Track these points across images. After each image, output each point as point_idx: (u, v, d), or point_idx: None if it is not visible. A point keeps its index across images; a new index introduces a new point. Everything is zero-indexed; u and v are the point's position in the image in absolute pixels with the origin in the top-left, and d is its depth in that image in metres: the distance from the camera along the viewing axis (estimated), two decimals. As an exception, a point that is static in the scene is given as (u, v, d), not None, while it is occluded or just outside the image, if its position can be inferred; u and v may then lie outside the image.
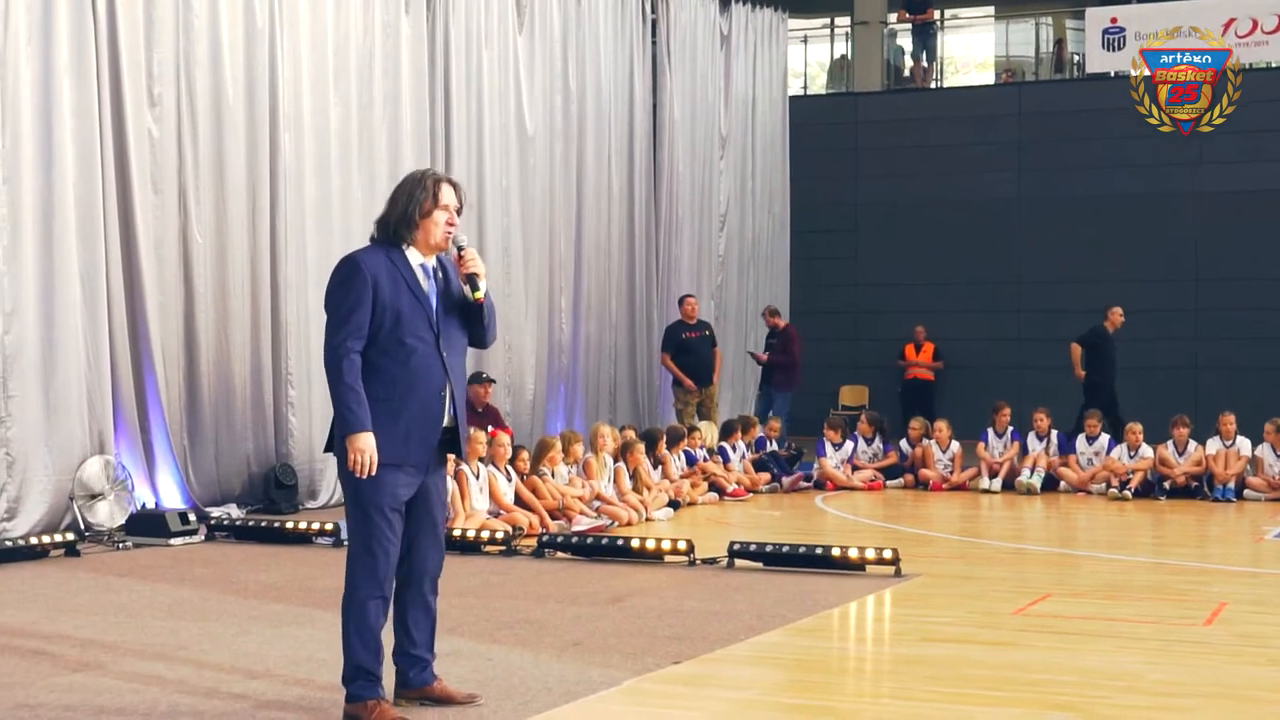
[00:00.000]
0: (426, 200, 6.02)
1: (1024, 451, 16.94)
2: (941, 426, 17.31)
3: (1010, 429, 17.21)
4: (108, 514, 11.72)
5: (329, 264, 14.27)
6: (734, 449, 16.77)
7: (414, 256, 6.04)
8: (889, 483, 17.10)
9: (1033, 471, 16.56)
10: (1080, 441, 16.77)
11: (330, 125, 14.49)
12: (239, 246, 13.49)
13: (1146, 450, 16.23)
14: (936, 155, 25.24)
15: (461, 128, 16.53)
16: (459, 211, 6.10)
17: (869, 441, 17.61)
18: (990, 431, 17.23)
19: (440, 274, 6.12)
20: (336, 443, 5.97)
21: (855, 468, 17.26)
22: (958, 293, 24.78)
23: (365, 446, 5.82)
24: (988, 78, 27.46)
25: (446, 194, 6.06)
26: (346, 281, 5.95)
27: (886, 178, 25.47)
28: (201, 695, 6.39)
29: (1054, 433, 17.00)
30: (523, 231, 17.59)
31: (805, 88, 27.66)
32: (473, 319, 6.17)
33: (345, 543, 6.05)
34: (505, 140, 17.38)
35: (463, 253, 6.10)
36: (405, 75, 15.55)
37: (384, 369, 5.93)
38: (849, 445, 17.50)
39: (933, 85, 26.77)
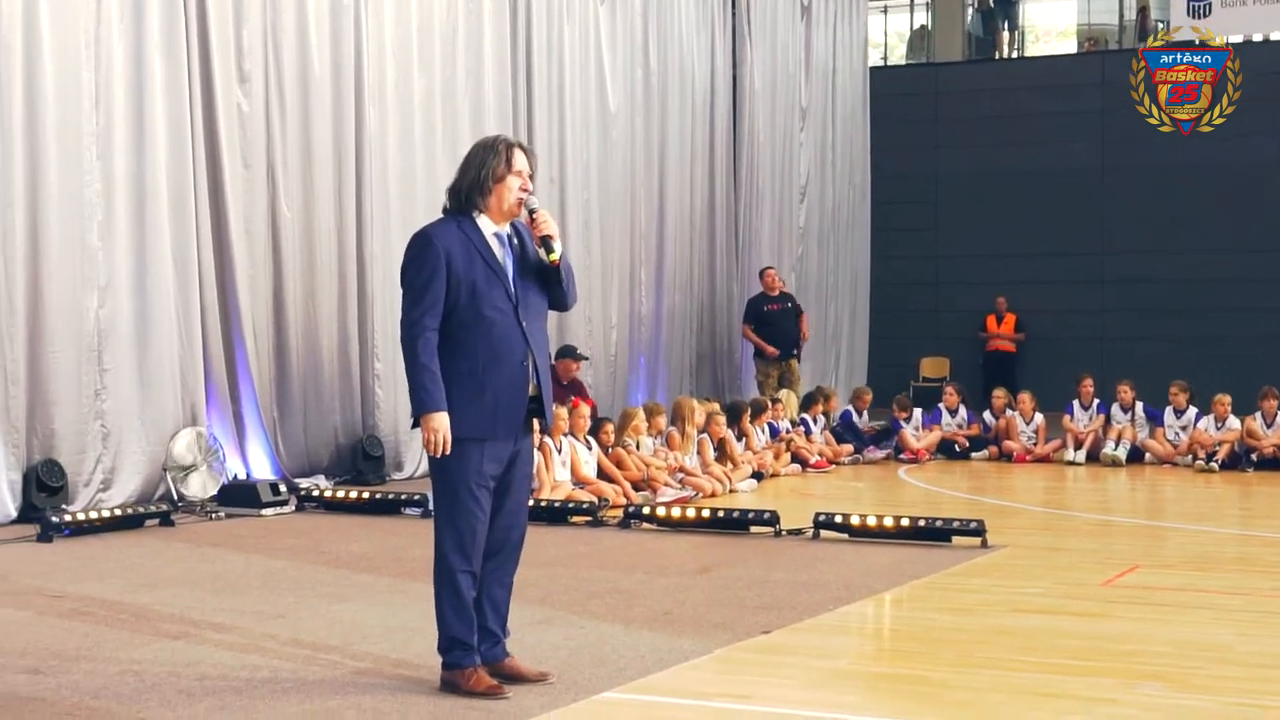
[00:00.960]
0: (499, 165, 5.97)
1: (1108, 424, 16.83)
2: (1025, 398, 17.24)
3: (1096, 401, 17.11)
4: (200, 485, 11.91)
5: (413, 238, 14.50)
6: (815, 421, 16.78)
7: (486, 225, 6.00)
8: (973, 454, 17.06)
9: (1117, 444, 16.46)
10: (1168, 414, 16.64)
11: (414, 99, 14.60)
12: (325, 221, 13.63)
13: (1234, 422, 16.10)
14: (1017, 125, 25.05)
15: (543, 101, 16.60)
16: (531, 177, 6.07)
17: (953, 413, 17.56)
18: (1075, 403, 17.13)
19: (515, 240, 6.08)
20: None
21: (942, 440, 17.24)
22: (1039, 264, 24.61)
23: (439, 426, 5.83)
24: (1069, 46, 27.18)
25: (519, 159, 6.01)
26: (419, 257, 5.92)
27: (967, 148, 25.32)
28: (300, 662, 6.50)
29: (1139, 405, 16.88)
30: (604, 204, 17.65)
31: (885, 58, 27.51)
32: (551, 282, 6.11)
33: (433, 517, 6.07)
34: (586, 113, 17.44)
35: (534, 215, 6.01)
36: (488, 48, 15.63)
37: (465, 343, 5.91)
38: (918, 414, 17.49)
39: (1014, 55, 26.56)
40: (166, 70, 11.99)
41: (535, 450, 12.20)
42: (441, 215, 6.11)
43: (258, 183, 12.96)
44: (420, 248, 5.95)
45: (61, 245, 11.19)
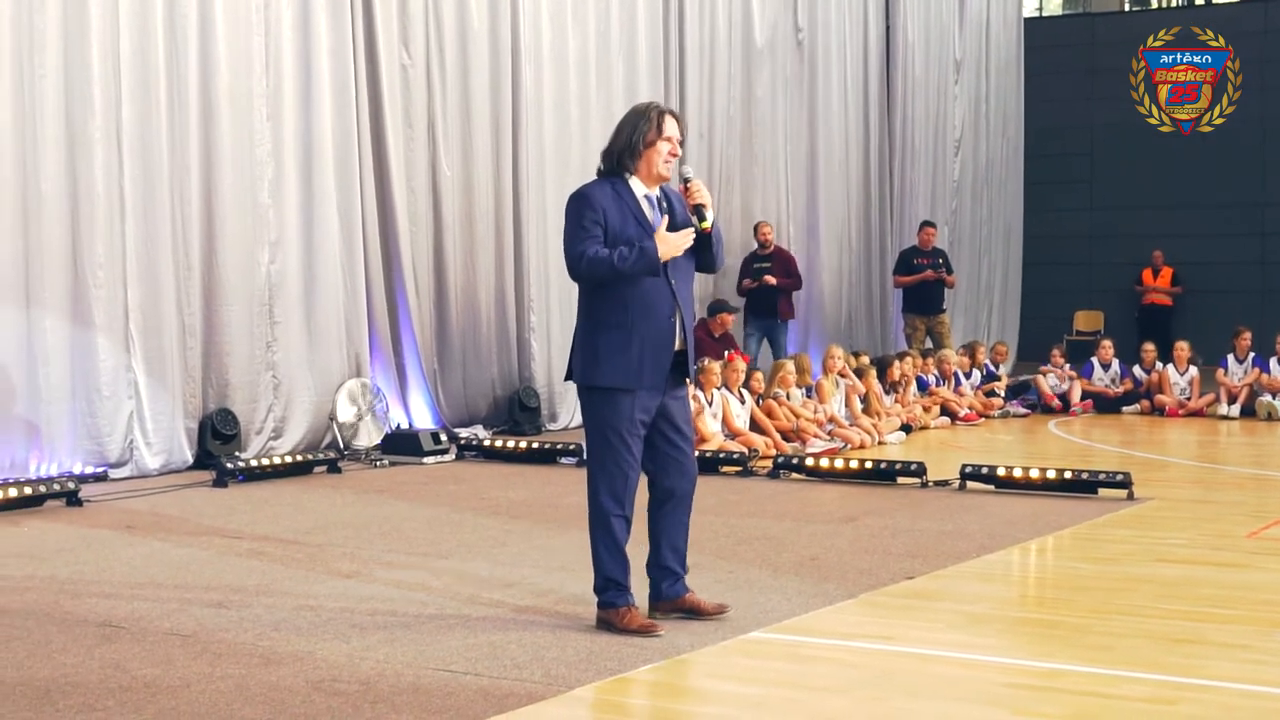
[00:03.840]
0: (650, 131, 6.28)
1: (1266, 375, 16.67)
2: (1182, 347, 17.11)
3: (1252, 354, 16.93)
4: (365, 434, 12.37)
5: (567, 194, 14.79)
6: (967, 375, 16.86)
7: (638, 187, 6.32)
8: (1124, 408, 17.02)
9: (1274, 396, 16.32)
10: (1323, 367, 16.47)
11: (569, 57, 14.91)
12: (484, 178, 14.01)
13: (1394, 376, 15.88)
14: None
15: (694, 58, 16.80)
16: (681, 143, 6.37)
17: (1106, 367, 17.51)
18: (1230, 357, 16.98)
19: (664, 204, 6.39)
20: (575, 370, 6.33)
21: (1085, 393, 17.20)
22: (1197, 216, 24.30)
23: (663, 241, 6.15)
24: (1231, -6, 26.72)
25: (669, 126, 6.32)
26: (578, 212, 6.26)
27: (1123, 100, 25.02)
28: (464, 601, 6.86)
29: (1297, 358, 16.70)
30: (752, 159, 17.82)
31: (1040, 9, 27.24)
32: (700, 247, 6.42)
33: (587, 463, 6.40)
34: (737, 69, 17.61)
35: (689, 184, 6.36)
36: (640, 5, 15.87)
37: (616, 297, 6.22)
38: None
39: (1173, 4, 26.18)
40: (332, 32, 12.42)
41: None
42: (595, 177, 6.42)
43: (419, 141, 13.36)
44: (579, 205, 6.29)
45: (234, 203, 11.69)
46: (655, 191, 6.38)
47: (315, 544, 8.39)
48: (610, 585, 6.30)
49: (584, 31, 15.11)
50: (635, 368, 6.22)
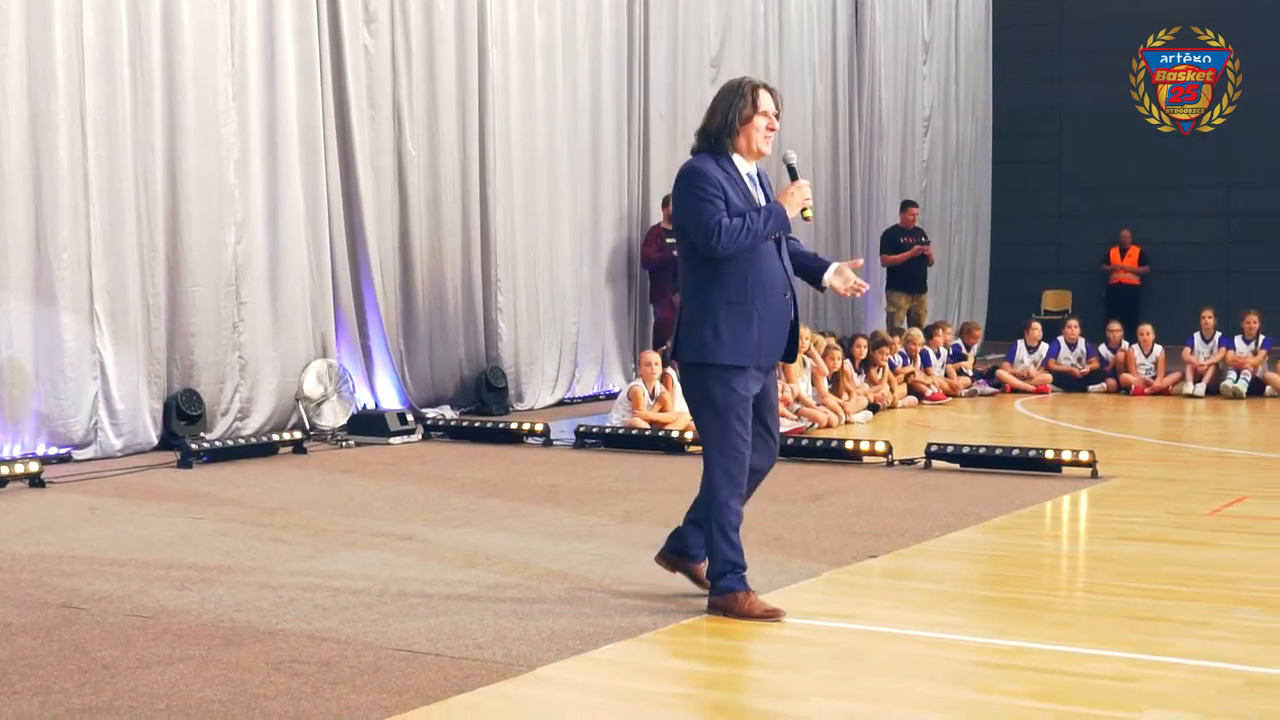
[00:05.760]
0: (746, 107, 6.19)
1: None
2: (1146, 330, 17.21)
3: (1218, 334, 17.02)
4: (331, 414, 12.35)
5: (534, 176, 14.88)
6: (936, 354, 16.90)
7: (741, 164, 6.23)
8: (1090, 387, 17.09)
9: (1239, 375, 16.41)
10: (1288, 347, 16.57)
11: (535, 39, 14.87)
12: (450, 159, 13.97)
13: (1357, 355, 15.98)
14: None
15: (660, 40, 16.77)
16: (777, 116, 6.29)
17: (1072, 346, 17.57)
18: (1196, 336, 17.06)
19: (763, 182, 6.33)
20: (688, 348, 6.15)
21: (1051, 371, 17.29)
22: (1165, 196, 24.37)
23: (788, 199, 6.14)
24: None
25: (765, 100, 6.23)
26: (697, 186, 6.10)
27: (1091, 80, 25.07)
28: (427, 581, 6.85)
29: (1262, 337, 16.79)
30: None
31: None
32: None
33: (703, 444, 6.25)
34: (703, 50, 17.59)
35: (795, 178, 6.26)
36: (606, -15, 15.87)
37: (733, 272, 6.10)
38: (1044, 348, 17.55)
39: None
40: (297, 13, 12.37)
41: (658, 382, 12.55)
42: (691, 155, 6.30)
43: (384, 122, 13.31)
44: (694, 178, 6.14)
45: (200, 184, 11.64)
46: (754, 169, 6.30)
47: (279, 525, 8.37)
48: (729, 569, 6.17)
49: (550, 13, 15.07)
50: (756, 345, 6.11)
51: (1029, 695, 5.05)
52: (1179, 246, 24.07)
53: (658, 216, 16.22)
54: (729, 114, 6.19)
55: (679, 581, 6.68)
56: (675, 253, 15.69)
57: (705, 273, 6.14)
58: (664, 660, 5.60)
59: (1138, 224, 24.06)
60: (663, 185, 16.62)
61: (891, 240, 18.79)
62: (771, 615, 6.10)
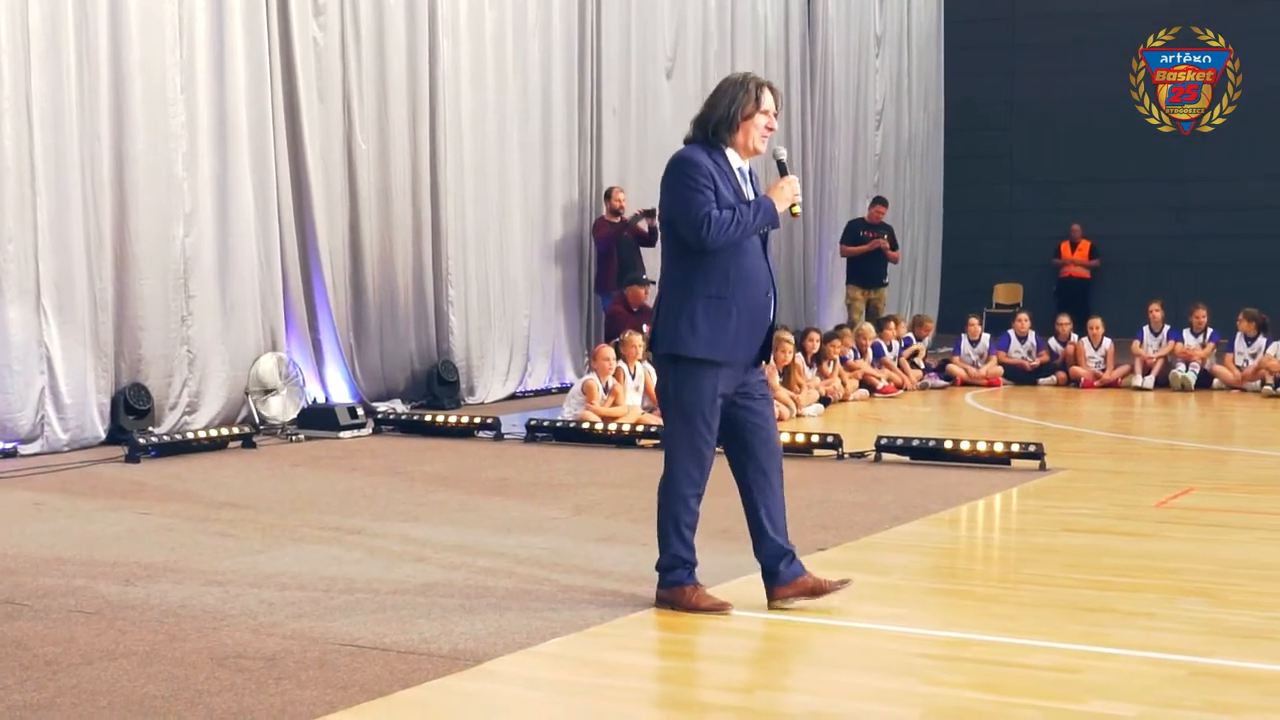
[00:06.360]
0: (748, 103, 6.12)
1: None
2: (1096, 323, 17.32)
3: (1167, 327, 17.15)
4: (280, 408, 12.30)
5: (485, 168, 14.83)
6: (889, 347, 16.96)
7: (734, 159, 6.16)
8: (1041, 380, 17.19)
9: (1188, 366, 16.53)
10: (1238, 341, 16.68)
11: (485, 31, 14.83)
12: (400, 152, 13.93)
13: (1303, 348, 16.13)
14: (1095, 50, 24.87)
15: (612, 32, 16.76)
16: (776, 115, 6.22)
17: (1022, 340, 17.67)
18: (1145, 329, 17.19)
19: (752, 178, 6.28)
20: (664, 339, 6.10)
21: (1002, 364, 17.39)
22: (1114, 190, 24.52)
23: (777, 194, 6.06)
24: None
25: (767, 99, 6.17)
26: (688, 175, 6.03)
27: (1043, 74, 25.19)
28: (374, 575, 6.83)
29: (1209, 330, 16.93)
30: (673, 133, 17.79)
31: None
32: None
33: (666, 438, 6.21)
34: (656, 42, 17.59)
35: (784, 174, 6.20)
36: (558, -21, 15.84)
37: (716, 265, 6.03)
38: (985, 340, 17.66)
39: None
40: (246, 2, 12.28)
41: (611, 377, 12.54)
42: (684, 145, 6.24)
43: (334, 115, 13.26)
44: (685, 167, 6.07)
45: (148, 176, 11.55)
46: (746, 165, 6.24)
47: (226, 519, 8.32)
48: (678, 563, 6.14)
49: (501, 4, 15.03)
50: (731, 340, 6.04)
51: (973, 687, 5.07)
52: (1129, 240, 24.22)
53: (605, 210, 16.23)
54: (731, 108, 6.12)
55: (626, 575, 6.67)
56: (627, 234, 15.87)
57: (687, 265, 6.08)
58: (611, 654, 5.59)
59: (1089, 218, 24.20)
60: (614, 178, 16.61)
61: (852, 233, 18.87)
62: (718, 608, 6.09)
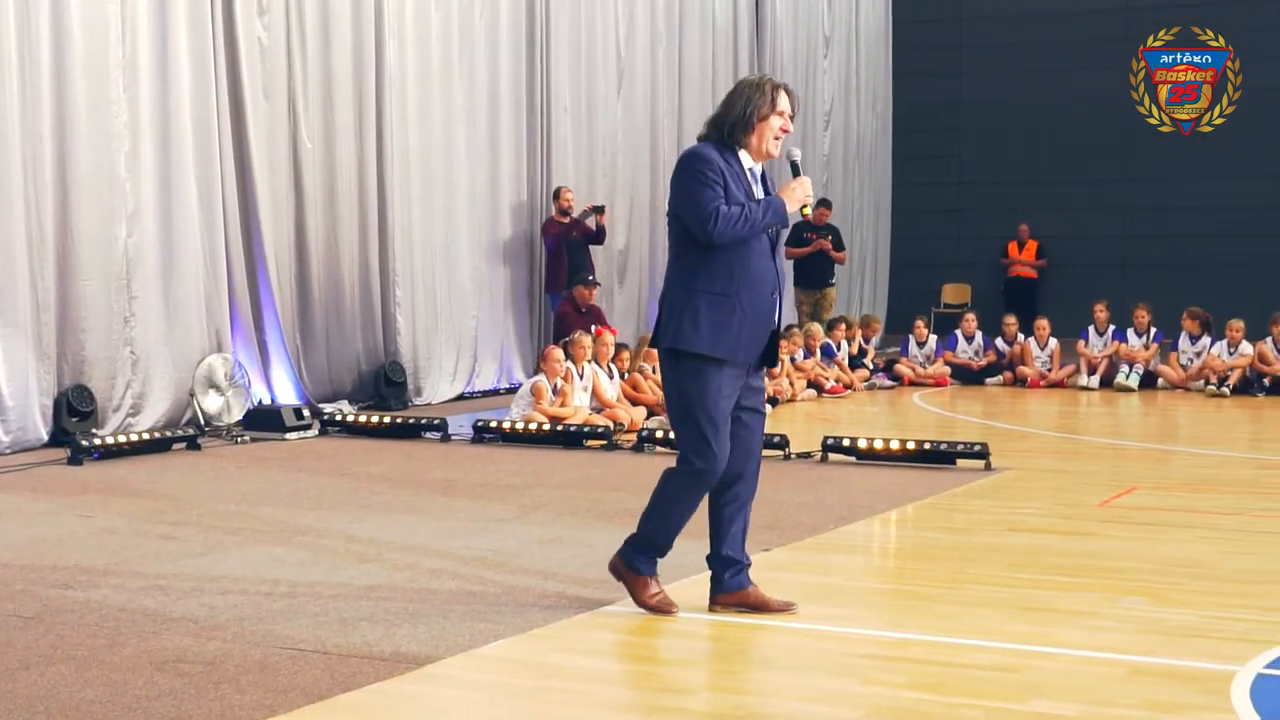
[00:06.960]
0: (764, 105, 6.09)
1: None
2: (1042, 323, 17.43)
3: (1112, 327, 17.27)
4: (226, 410, 12.21)
5: (431, 168, 14.79)
6: (838, 347, 17.01)
7: (745, 160, 6.13)
8: (988, 380, 17.28)
9: (1130, 370, 16.65)
10: (1182, 341, 16.82)
11: (431, 31, 14.79)
12: (346, 152, 13.87)
13: (1246, 347, 16.27)
14: (1043, 52, 25.00)
15: (561, 32, 16.73)
16: (791, 118, 6.20)
17: (969, 340, 17.76)
18: (1091, 329, 17.31)
19: (765, 178, 6.24)
20: (666, 334, 6.05)
21: (949, 364, 17.48)
22: (1061, 191, 24.66)
23: (789, 194, 6.05)
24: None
25: (783, 101, 6.14)
26: (698, 170, 6.00)
27: (991, 75, 25.31)
28: (317, 578, 6.79)
29: (1153, 330, 17.06)
30: (623, 135, 17.80)
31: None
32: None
33: (674, 432, 6.17)
34: (604, 43, 17.57)
35: (797, 174, 6.18)
36: (504, -21, 15.81)
37: (722, 264, 5.99)
38: (933, 342, 17.75)
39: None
40: (189, 1, 12.19)
41: (560, 379, 12.52)
42: (698, 142, 6.21)
43: (279, 115, 13.19)
44: (696, 162, 6.03)
45: (90, 176, 11.45)
46: (759, 167, 6.21)
47: (170, 521, 8.26)
48: (647, 547, 6.13)
49: (446, 6, 14.99)
50: (733, 339, 5.98)
51: (914, 687, 5.08)
52: (1076, 241, 24.36)
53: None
54: (747, 108, 6.09)
55: (571, 576, 6.67)
56: (575, 233, 15.85)
57: (692, 261, 6.04)
58: (554, 656, 5.58)
59: (1037, 219, 24.32)
60: (564, 178, 16.59)
61: (795, 234, 18.88)
62: (664, 610, 6.09)
